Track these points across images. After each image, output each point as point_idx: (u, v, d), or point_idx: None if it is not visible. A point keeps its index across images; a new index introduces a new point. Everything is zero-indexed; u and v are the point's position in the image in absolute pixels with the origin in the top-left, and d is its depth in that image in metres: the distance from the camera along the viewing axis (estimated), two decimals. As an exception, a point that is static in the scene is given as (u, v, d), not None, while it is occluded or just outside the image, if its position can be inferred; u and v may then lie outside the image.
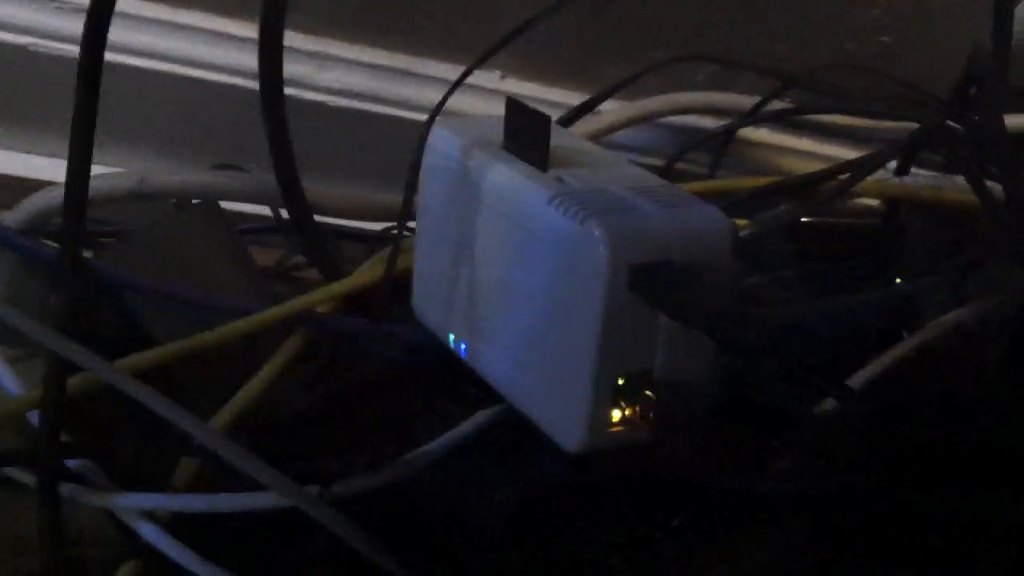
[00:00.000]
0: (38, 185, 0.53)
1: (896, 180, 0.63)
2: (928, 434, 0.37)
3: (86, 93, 0.38)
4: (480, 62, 0.50)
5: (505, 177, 0.43)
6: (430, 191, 0.47)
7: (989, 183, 0.56)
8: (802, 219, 0.70)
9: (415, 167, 0.47)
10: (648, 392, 0.40)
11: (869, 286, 0.61)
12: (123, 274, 0.50)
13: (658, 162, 0.74)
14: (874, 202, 0.75)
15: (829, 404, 0.49)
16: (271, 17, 0.45)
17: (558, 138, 0.44)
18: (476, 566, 0.46)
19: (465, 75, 0.50)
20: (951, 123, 0.61)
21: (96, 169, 0.41)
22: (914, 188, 0.62)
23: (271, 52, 0.46)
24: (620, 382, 0.40)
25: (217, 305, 0.50)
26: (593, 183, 0.42)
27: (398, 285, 0.50)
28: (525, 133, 0.44)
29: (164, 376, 0.49)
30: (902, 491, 0.36)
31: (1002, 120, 0.43)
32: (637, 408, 0.40)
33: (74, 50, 0.39)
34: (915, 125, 0.64)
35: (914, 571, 0.35)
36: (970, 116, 0.61)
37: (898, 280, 0.62)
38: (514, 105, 0.44)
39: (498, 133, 0.45)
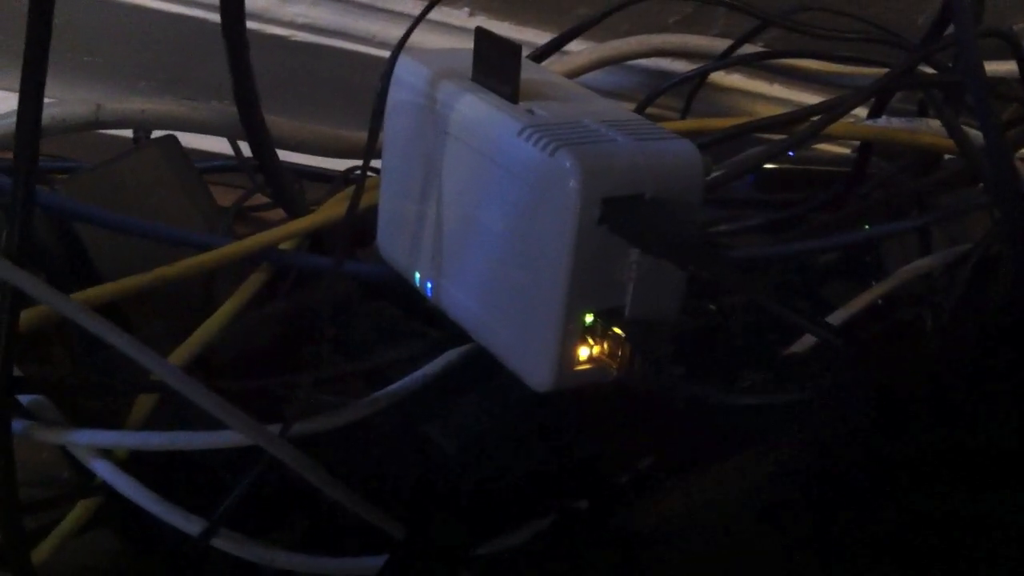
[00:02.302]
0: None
1: (869, 122, 0.63)
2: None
3: (39, 17, 0.37)
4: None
5: (474, 109, 0.42)
6: (396, 124, 0.46)
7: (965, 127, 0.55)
8: (767, 165, 0.70)
9: (381, 97, 0.45)
10: (617, 330, 0.39)
11: (834, 231, 0.60)
12: (79, 206, 0.48)
13: (629, 105, 0.73)
14: (845, 150, 0.75)
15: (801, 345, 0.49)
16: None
17: (529, 71, 0.43)
18: (437, 505, 0.45)
19: (429, 8, 0.48)
20: (925, 66, 0.60)
21: (51, 100, 0.39)
22: (888, 131, 0.61)
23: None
24: (589, 320, 0.39)
25: (176, 238, 0.49)
26: (565, 115, 0.41)
27: (365, 225, 0.49)
28: (495, 64, 0.42)
29: (122, 312, 0.48)
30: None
31: (980, 61, 0.42)
32: (605, 346, 0.40)
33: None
34: (888, 70, 0.63)
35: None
36: (944, 59, 0.60)
37: (866, 227, 0.62)
38: (484, 35, 0.43)
39: (467, 65, 0.44)
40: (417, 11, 0.75)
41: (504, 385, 0.43)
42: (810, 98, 0.81)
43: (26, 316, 0.42)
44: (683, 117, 0.73)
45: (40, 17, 0.37)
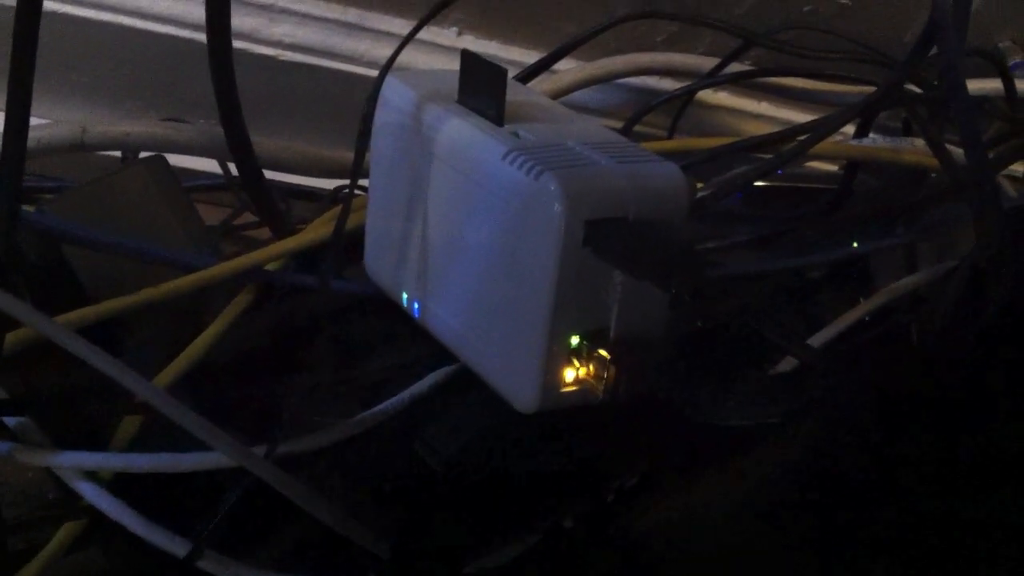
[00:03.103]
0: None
1: (854, 142, 0.63)
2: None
3: (24, 37, 0.37)
4: (434, 13, 0.49)
5: (459, 131, 0.42)
6: (382, 145, 0.46)
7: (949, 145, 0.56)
8: (756, 183, 0.70)
9: (367, 119, 0.45)
10: (602, 351, 0.39)
11: (821, 247, 0.61)
12: (65, 226, 0.48)
13: (616, 123, 0.74)
14: (832, 167, 0.75)
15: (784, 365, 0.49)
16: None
17: (514, 93, 0.43)
18: (426, 521, 0.45)
19: (420, 26, 0.48)
20: (910, 85, 0.61)
21: (37, 122, 0.39)
22: (872, 150, 0.61)
23: (219, 2, 0.44)
24: (574, 341, 0.39)
25: (163, 258, 0.49)
26: (549, 138, 0.41)
27: (353, 244, 0.49)
28: (480, 87, 0.42)
29: (108, 333, 0.48)
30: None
31: (963, 80, 0.42)
32: (591, 368, 0.40)
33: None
34: (873, 89, 0.64)
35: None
36: (929, 78, 0.60)
37: (854, 244, 0.62)
38: (470, 57, 0.43)
39: (453, 87, 0.44)
40: (403, 31, 0.75)
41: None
42: (797, 115, 0.82)
43: (11, 337, 0.43)
44: (670, 135, 0.73)
45: (25, 36, 0.37)
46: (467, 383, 0.45)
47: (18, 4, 0.37)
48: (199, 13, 0.46)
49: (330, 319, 0.51)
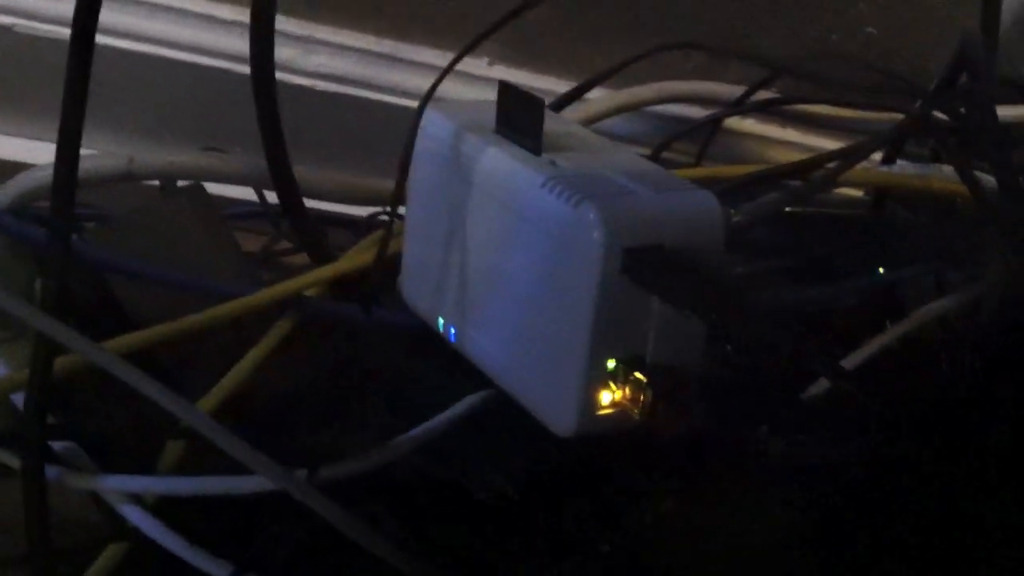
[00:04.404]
0: (19, 168, 0.53)
1: (883, 169, 0.63)
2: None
3: (77, 72, 0.38)
4: (471, 48, 0.50)
5: (498, 161, 0.43)
6: (421, 175, 0.47)
7: (977, 173, 0.56)
8: (787, 209, 0.71)
9: (408, 150, 0.46)
10: (639, 375, 0.40)
11: (853, 276, 0.61)
12: (110, 256, 0.49)
13: (644, 151, 0.74)
14: (860, 192, 0.76)
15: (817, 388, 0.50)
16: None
17: (550, 123, 0.44)
18: (466, 548, 0.46)
19: (456, 60, 0.50)
20: (937, 113, 0.61)
21: (84, 152, 0.40)
22: (901, 177, 0.62)
23: (263, 34, 0.45)
24: (611, 365, 0.40)
25: (205, 288, 0.50)
26: (587, 167, 0.42)
27: (387, 269, 0.50)
28: (518, 117, 0.43)
29: (151, 359, 0.49)
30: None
31: (994, 109, 0.43)
32: (627, 391, 0.40)
33: (60, 31, 0.38)
34: (901, 115, 0.64)
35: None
36: (957, 106, 0.61)
37: (881, 270, 0.63)
38: (507, 89, 0.44)
39: (490, 117, 0.45)
40: (436, 61, 0.77)
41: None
42: (823, 142, 0.82)
43: (59, 363, 0.43)
44: (698, 162, 0.74)
45: (78, 72, 0.38)
46: (504, 408, 0.45)
47: (72, 39, 0.38)
48: (235, 44, 0.47)
49: (371, 347, 0.51)
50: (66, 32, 0.38)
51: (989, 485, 0.37)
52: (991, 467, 0.37)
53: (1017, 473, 0.37)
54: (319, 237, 0.52)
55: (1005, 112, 0.70)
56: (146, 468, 0.46)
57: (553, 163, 0.42)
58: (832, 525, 0.38)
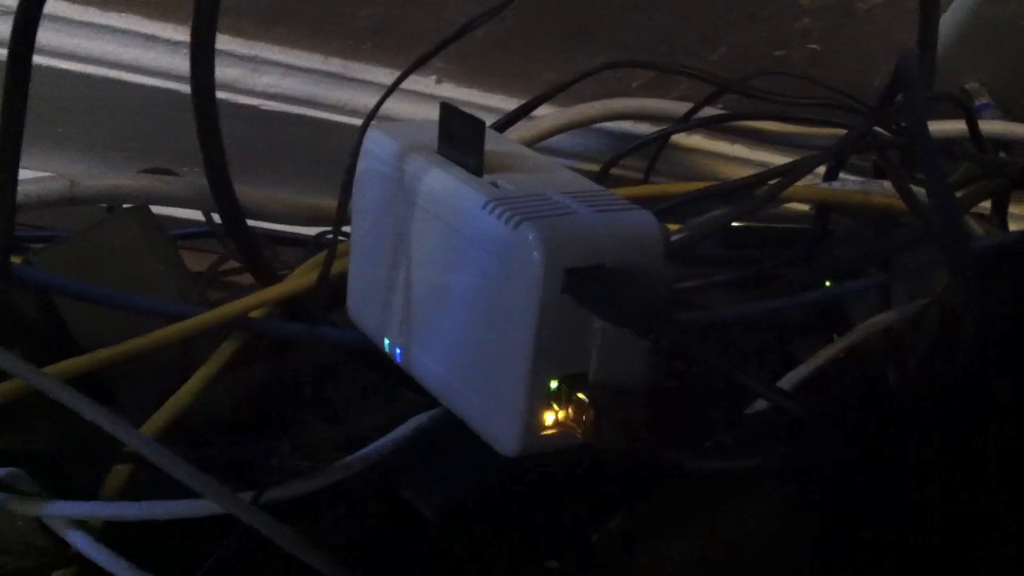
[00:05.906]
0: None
1: (826, 185, 0.64)
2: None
3: (14, 95, 0.38)
4: (415, 66, 0.50)
5: (440, 182, 0.43)
6: (365, 195, 0.47)
7: (915, 188, 0.57)
8: (733, 223, 0.72)
9: (350, 171, 0.46)
10: (581, 395, 0.40)
11: (798, 289, 0.62)
12: (56, 278, 0.49)
13: (593, 167, 0.75)
14: (805, 207, 0.77)
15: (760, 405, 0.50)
16: (203, 20, 0.45)
17: (493, 143, 0.44)
18: (414, 565, 0.46)
19: (401, 79, 0.50)
20: (879, 129, 0.62)
21: (25, 174, 0.40)
22: (843, 193, 0.63)
23: (203, 55, 0.45)
24: (554, 385, 0.40)
25: (151, 309, 0.50)
26: (527, 188, 0.42)
27: (334, 289, 0.50)
28: (460, 138, 0.44)
29: (95, 378, 0.49)
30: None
31: (927, 127, 0.44)
32: (570, 411, 0.41)
33: None
34: (844, 131, 0.65)
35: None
36: (897, 122, 0.62)
37: (827, 283, 0.63)
38: (449, 110, 0.44)
39: (433, 138, 0.45)
40: (385, 80, 0.77)
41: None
42: (770, 157, 0.83)
43: (2, 388, 0.43)
44: (646, 178, 0.75)
45: (16, 92, 0.38)
46: (450, 427, 0.45)
47: (8, 59, 0.38)
48: (182, 65, 0.47)
49: (315, 367, 0.52)
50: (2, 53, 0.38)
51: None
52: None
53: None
54: (262, 258, 0.52)
55: (946, 126, 0.71)
56: (91, 493, 0.46)
57: (495, 184, 0.42)
58: (802, 533, 0.38)
